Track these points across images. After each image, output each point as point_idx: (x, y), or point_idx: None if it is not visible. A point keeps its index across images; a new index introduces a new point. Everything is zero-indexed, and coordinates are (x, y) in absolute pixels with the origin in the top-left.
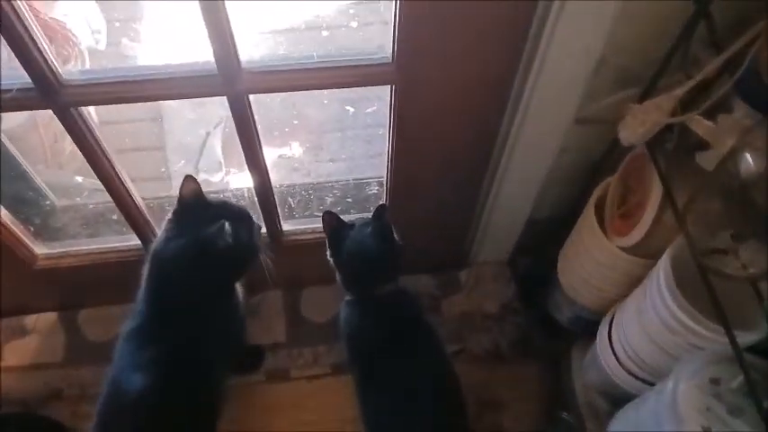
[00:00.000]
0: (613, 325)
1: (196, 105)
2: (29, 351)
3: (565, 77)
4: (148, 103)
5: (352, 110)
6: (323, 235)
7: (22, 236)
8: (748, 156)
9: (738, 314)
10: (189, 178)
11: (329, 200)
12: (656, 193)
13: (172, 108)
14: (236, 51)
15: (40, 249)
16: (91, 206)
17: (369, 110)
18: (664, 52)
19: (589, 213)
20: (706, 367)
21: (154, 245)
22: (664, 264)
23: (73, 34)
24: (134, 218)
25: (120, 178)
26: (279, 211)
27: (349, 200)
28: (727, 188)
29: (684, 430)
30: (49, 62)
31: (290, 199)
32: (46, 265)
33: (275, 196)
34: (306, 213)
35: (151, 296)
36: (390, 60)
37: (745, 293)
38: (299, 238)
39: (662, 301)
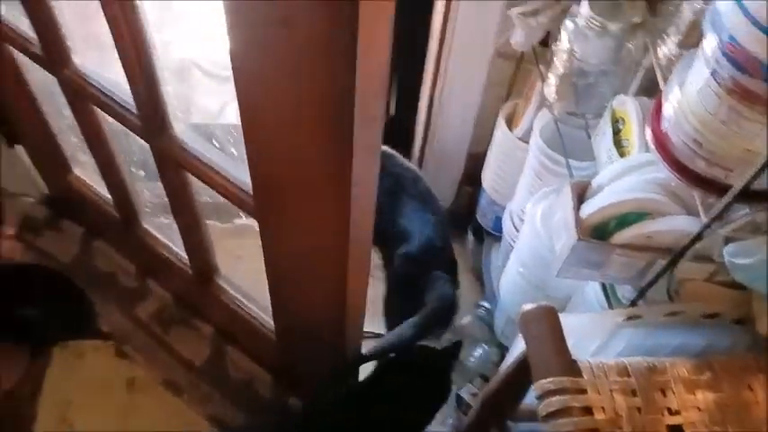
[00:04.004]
0: (512, 204)
1: None
2: None
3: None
4: None
5: None
6: None
7: None
8: None
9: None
10: None
11: None
12: (539, 86)
13: None
14: None
15: None
16: None
17: None
18: None
19: (500, 121)
20: (551, 194)
21: None
22: (536, 125)
23: None
24: None
25: None
26: None
27: None
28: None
29: (537, 231)
30: None
31: None
32: None
33: None
34: None
35: None
36: None
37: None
38: None
39: (534, 155)
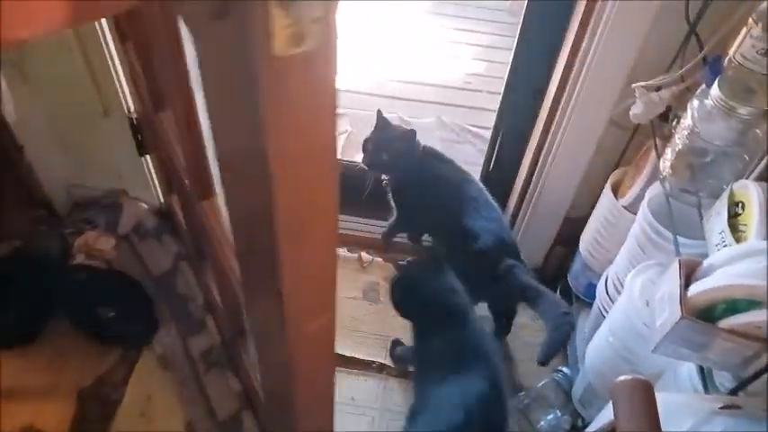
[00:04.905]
0: (609, 272)
1: None
2: None
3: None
4: None
5: None
6: None
7: None
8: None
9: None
10: None
11: None
12: (652, 159)
13: None
14: None
15: None
16: None
17: None
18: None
19: (607, 188)
20: (654, 268)
21: None
22: (646, 197)
23: None
24: None
25: None
26: None
27: None
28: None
29: (634, 303)
30: None
31: None
32: None
33: None
34: None
35: None
36: None
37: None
38: None
39: (640, 226)
